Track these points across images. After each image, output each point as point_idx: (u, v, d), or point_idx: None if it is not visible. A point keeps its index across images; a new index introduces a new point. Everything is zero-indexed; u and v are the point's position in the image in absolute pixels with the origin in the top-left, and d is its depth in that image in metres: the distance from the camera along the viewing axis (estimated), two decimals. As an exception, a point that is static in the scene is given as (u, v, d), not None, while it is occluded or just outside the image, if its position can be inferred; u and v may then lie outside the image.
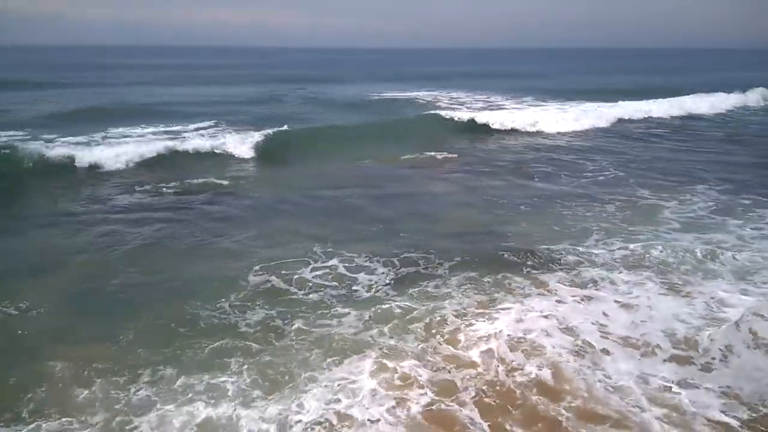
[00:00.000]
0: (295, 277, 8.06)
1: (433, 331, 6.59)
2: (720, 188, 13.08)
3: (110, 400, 5.33)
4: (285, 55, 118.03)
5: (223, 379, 5.64)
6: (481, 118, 23.40)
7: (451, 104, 31.30)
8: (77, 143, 17.05)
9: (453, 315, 6.97)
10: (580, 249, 9.11)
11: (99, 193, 12.93)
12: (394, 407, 5.20)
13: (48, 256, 8.86)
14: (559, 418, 5.07)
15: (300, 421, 5.04)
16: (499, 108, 29.91)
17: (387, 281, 8.04)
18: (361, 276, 8.17)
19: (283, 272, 8.18)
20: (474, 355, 6.09)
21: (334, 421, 5.03)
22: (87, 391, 5.45)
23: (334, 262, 8.60)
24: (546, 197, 12.52)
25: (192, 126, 21.18)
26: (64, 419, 5.02)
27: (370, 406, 5.21)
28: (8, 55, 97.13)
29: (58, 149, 15.62)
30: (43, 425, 4.97)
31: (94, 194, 12.79)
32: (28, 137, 17.48)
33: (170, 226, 10.43)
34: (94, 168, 14.73)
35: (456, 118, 23.47)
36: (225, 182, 13.63)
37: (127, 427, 4.97)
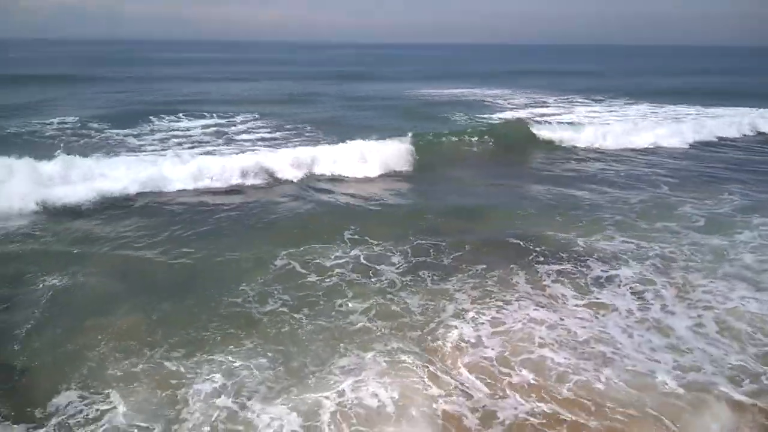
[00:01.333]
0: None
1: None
2: None
3: (148, 371, 5.72)
4: (308, 52, 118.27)
5: (241, 356, 6.03)
6: (587, 136, 19.79)
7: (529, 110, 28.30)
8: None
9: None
10: None
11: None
12: (399, 398, 5.39)
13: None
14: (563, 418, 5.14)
15: (311, 401, 5.32)
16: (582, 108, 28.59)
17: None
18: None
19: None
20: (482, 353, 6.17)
21: (346, 407, 5.26)
22: (126, 362, 5.88)
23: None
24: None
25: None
26: (107, 390, 5.47)
27: (378, 394, 5.43)
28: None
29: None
30: (86, 395, 5.41)
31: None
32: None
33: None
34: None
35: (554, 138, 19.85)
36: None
37: (163, 395, 5.37)
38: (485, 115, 25.42)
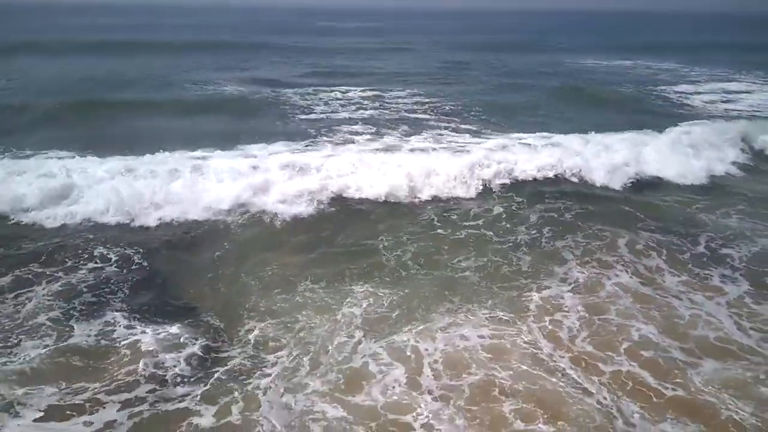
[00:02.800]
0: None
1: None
2: None
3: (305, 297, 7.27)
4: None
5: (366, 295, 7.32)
6: None
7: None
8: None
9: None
10: None
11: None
12: (488, 346, 6.26)
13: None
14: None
15: (413, 340, 6.37)
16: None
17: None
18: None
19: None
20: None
21: (443, 348, 6.25)
22: (287, 293, 7.43)
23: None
24: None
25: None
26: (274, 320, 6.87)
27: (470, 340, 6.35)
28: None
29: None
30: (258, 325, 6.83)
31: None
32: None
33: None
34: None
35: None
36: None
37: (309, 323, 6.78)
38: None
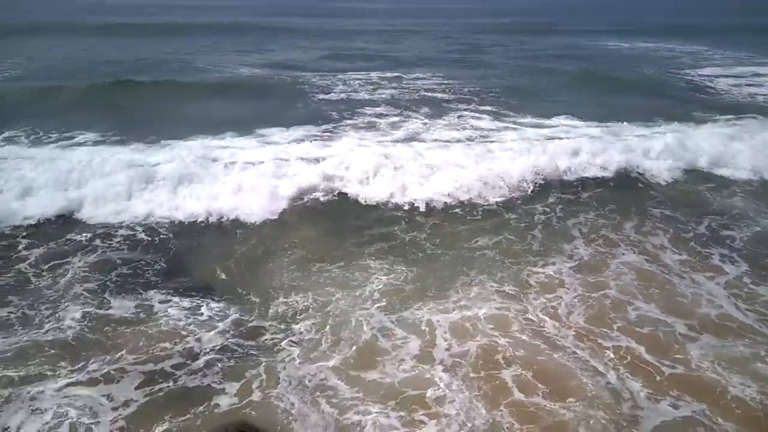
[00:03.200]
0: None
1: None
2: None
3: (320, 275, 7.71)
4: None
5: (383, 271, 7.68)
6: None
7: None
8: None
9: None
10: None
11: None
12: (493, 319, 6.62)
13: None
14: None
15: (427, 314, 6.74)
16: None
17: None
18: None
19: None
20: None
21: (454, 321, 6.62)
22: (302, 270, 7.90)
23: None
24: None
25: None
26: (298, 297, 7.28)
27: (480, 312, 6.68)
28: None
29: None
30: (284, 302, 7.33)
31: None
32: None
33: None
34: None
35: None
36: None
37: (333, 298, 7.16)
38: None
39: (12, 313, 6.59)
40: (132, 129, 13.38)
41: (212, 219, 9.27)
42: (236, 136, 13.22)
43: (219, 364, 5.85)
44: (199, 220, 9.24)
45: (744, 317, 6.75)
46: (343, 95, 18.77)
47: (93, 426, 5.00)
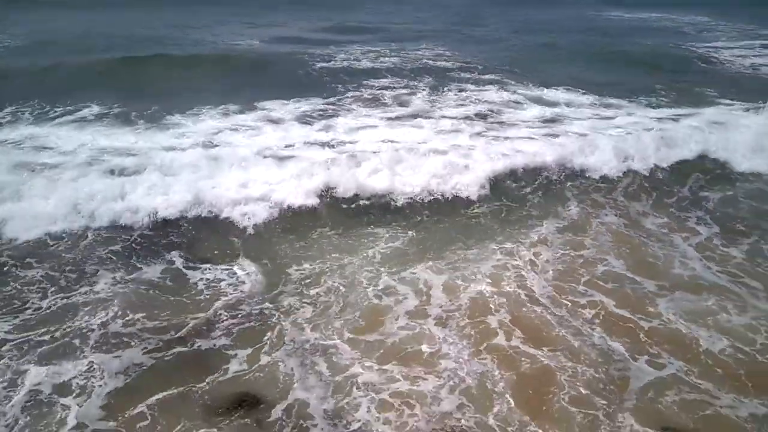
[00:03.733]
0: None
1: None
2: None
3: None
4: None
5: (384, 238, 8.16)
6: None
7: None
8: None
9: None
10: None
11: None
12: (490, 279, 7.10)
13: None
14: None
15: (426, 274, 7.18)
16: None
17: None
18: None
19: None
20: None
21: (453, 279, 7.07)
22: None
23: None
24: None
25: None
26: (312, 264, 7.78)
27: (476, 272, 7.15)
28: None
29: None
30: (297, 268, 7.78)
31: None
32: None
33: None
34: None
35: None
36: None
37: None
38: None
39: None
40: (132, 107, 13.20)
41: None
42: (238, 112, 13.26)
43: (235, 329, 6.08)
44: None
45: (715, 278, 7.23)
46: (345, 63, 18.75)
47: (100, 387, 5.21)
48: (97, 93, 14.17)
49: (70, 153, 10.30)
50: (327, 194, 9.35)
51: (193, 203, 8.72)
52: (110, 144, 10.86)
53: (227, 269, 7.25)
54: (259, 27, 28.20)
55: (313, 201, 9.05)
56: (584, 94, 15.63)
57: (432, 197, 9.30)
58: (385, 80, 16.95)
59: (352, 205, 9.07)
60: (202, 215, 8.56)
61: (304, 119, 12.97)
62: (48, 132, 11.47)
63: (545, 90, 15.87)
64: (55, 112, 12.82)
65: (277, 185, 9.22)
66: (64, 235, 7.69)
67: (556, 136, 12.00)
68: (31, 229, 7.66)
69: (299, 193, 9.10)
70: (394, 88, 16.06)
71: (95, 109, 13.05)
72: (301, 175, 9.51)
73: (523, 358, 5.63)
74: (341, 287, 6.86)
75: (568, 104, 14.76)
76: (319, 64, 18.56)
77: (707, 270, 7.35)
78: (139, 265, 7.20)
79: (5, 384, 5.15)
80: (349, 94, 15.24)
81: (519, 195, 9.55)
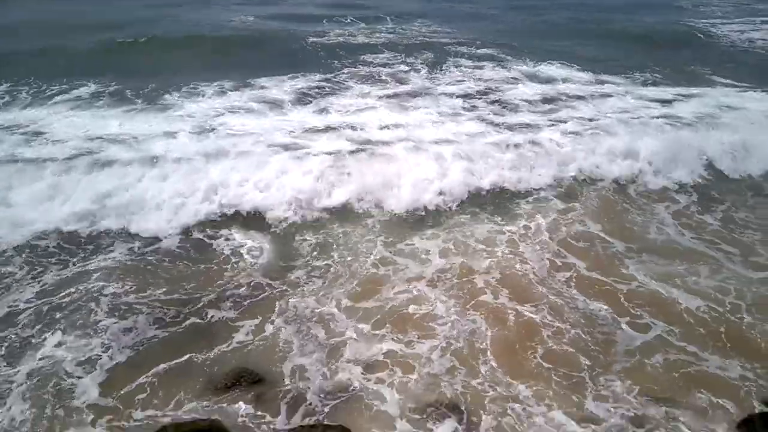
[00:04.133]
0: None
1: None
2: None
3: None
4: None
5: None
6: None
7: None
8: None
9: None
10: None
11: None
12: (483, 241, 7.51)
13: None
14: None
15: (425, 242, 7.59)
16: None
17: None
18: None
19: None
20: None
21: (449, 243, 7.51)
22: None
23: None
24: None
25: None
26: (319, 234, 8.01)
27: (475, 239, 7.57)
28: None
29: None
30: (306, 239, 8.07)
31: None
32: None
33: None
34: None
35: None
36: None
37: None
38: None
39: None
40: (127, 87, 13.11)
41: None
42: (233, 90, 13.23)
43: (247, 302, 6.35)
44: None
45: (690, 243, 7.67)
46: (341, 39, 18.80)
47: (109, 357, 5.47)
48: (82, 81, 13.70)
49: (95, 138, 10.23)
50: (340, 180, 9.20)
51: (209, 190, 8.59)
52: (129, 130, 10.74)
53: (241, 244, 7.50)
54: (254, 4, 27.79)
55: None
56: (580, 70, 15.67)
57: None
58: (381, 56, 16.91)
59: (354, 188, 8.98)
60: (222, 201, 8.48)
61: (304, 99, 12.80)
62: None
63: (542, 65, 15.87)
64: (52, 90, 12.81)
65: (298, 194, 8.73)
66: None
67: (564, 121, 11.75)
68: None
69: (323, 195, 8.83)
70: (392, 64, 16.04)
71: (91, 88, 13.03)
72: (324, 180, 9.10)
73: (509, 312, 6.06)
74: (345, 257, 7.19)
75: (564, 80, 14.82)
76: (312, 39, 18.43)
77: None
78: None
79: (19, 350, 5.42)
80: (346, 70, 15.23)
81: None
